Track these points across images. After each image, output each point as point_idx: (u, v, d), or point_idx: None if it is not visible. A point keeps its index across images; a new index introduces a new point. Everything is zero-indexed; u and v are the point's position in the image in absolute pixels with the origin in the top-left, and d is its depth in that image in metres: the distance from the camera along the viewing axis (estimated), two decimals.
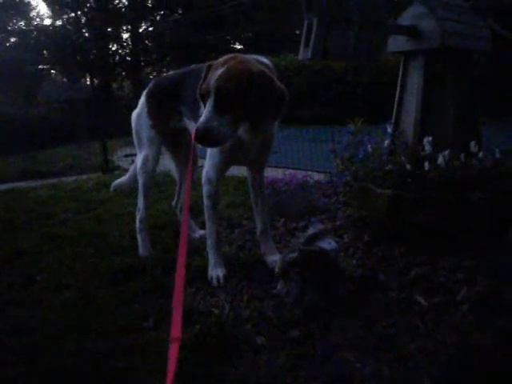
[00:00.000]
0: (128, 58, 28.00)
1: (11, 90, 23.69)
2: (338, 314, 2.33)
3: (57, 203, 5.15)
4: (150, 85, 3.38)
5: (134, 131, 3.38)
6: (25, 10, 28.82)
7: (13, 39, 26.88)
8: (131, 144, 3.91)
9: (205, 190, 2.83)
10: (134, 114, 3.38)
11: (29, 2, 29.53)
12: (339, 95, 13.10)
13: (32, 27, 27.88)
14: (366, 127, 3.61)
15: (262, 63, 2.52)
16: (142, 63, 28.22)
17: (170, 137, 3.34)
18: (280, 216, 3.76)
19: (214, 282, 2.78)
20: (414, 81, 3.10)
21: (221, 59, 2.42)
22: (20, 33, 26.97)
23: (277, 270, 2.59)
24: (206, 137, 2.26)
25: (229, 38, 26.54)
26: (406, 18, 3.18)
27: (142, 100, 3.34)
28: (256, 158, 2.84)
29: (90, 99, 9.54)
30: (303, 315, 2.34)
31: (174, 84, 3.15)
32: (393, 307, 2.37)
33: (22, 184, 7.28)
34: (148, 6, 27.35)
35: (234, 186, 4.74)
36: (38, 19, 29.62)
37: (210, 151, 2.78)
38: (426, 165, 2.83)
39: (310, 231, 2.39)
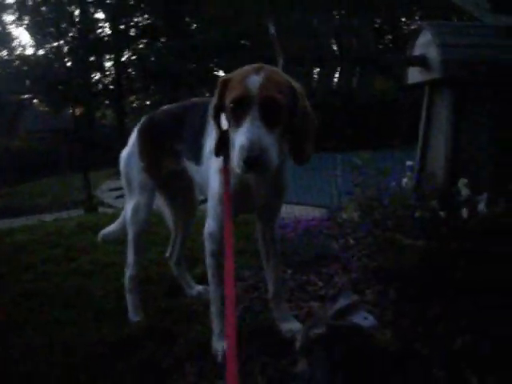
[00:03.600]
0: (111, 87, 27.69)
1: None
2: None
3: (36, 250, 4.65)
4: (143, 120, 2.92)
5: (122, 173, 2.92)
6: (7, 40, 28.45)
7: None
8: (117, 175, 3.45)
9: (207, 247, 2.39)
10: (124, 153, 2.92)
11: (11, 32, 29.22)
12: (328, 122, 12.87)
13: (14, 57, 27.51)
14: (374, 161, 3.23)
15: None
16: (126, 92, 27.91)
17: (165, 181, 2.90)
18: (287, 266, 3.33)
19: (220, 357, 2.32)
20: (442, 115, 2.74)
21: (247, 67, 1.96)
22: (1, 62, 26.54)
23: (298, 345, 2.14)
24: (261, 158, 1.76)
25: (212, 65, 26.43)
26: (417, 47, 2.87)
27: (133, 138, 2.88)
28: (266, 206, 2.41)
29: (72, 129, 9.04)
30: None
31: (171, 120, 2.70)
32: None
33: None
34: (131, 35, 27.18)
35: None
36: (20, 49, 29.29)
37: (211, 201, 2.35)
38: (464, 212, 2.44)
39: (341, 303, 1.96)
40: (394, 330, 2.36)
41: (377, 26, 27.81)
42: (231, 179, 2.19)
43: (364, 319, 1.93)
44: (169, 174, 2.80)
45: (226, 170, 2.08)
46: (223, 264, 2.43)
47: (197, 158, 2.46)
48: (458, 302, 2.45)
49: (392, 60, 3.28)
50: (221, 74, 27.27)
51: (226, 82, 1.98)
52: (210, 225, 2.38)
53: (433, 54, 2.71)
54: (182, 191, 2.91)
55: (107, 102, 28.50)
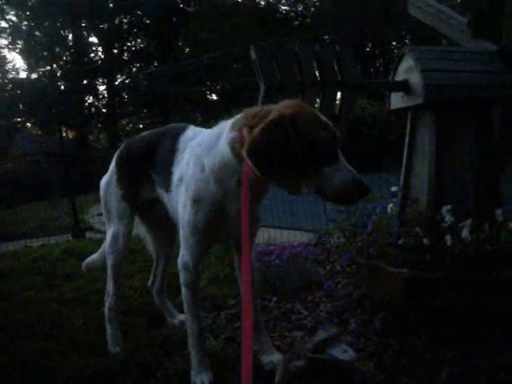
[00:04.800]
0: (104, 110, 27.79)
1: None
2: None
3: (18, 278, 4.56)
4: (121, 147, 2.89)
5: (102, 201, 2.88)
6: (1, 64, 28.58)
7: None
8: None
9: (182, 277, 2.32)
10: (103, 181, 2.88)
11: (4, 56, 29.34)
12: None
13: (7, 80, 27.59)
14: None
15: None
16: (118, 115, 27.99)
17: (144, 209, 2.85)
18: (271, 294, 3.27)
19: None
20: (425, 139, 2.71)
21: (286, 103, 2.01)
22: None
23: (277, 379, 2.07)
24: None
25: (205, 89, 26.59)
26: (401, 72, 2.87)
27: (112, 166, 2.86)
28: (240, 233, 2.37)
29: (62, 152, 8.96)
30: None
31: (146, 147, 2.65)
32: None
33: None
34: (124, 59, 27.39)
35: (216, 255, 4.22)
36: (13, 72, 29.39)
37: (182, 230, 2.30)
38: (448, 239, 2.40)
39: (320, 336, 1.90)
40: (377, 361, 2.30)
41: (368, 50, 28.30)
42: (207, 209, 2.16)
43: (343, 352, 1.87)
44: (147, 201, 2.76)
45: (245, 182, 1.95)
46: (198, 294, 2.40)
47: (167, 185, 2.42)
48: (441, 330, 2.39)
49: (375, 85, 3.24)
50: (214, 97, 27.49)
51: (293, 121, 1.86)
52: (183, 255, 2.32)
53: (415, 79, 2.70)
54: (161, 219, 2.85)
55: (100, 125, 28.56)
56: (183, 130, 2.47)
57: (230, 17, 22.79)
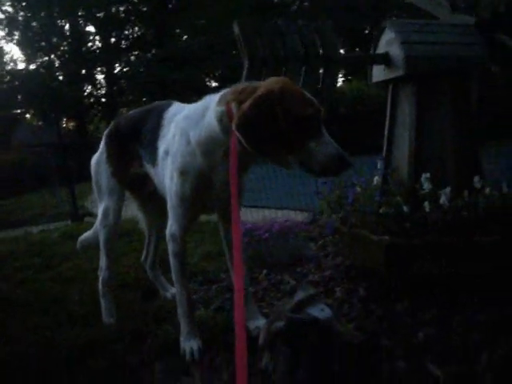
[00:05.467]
0: (103, 100, 27.74)
1: None
2: None
3: (16, 260, 4.66)
4: (111, 126, 2.97)
5: (93, 179, 2.96)
6: None
7: None
8: None
9: (170, 247, 2.41)
10: (94, 159, 2.95)
11: (2, 47, 29.28)
12: None
13: (5, 72, 27.52)
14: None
15: None
16: (118, 104, 27.95)
17: (134, 185, 2.93)
18: (262, 268, 3.35)
19: (188, 356, 2.34)
20: (406, 111, 2.78)
21: (280, 80, 2.06)
22: None
23: (260, 341, 2.16)
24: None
25: (203, 76, 26.54)
26: (381, 46, 2.92)
27: (102, 144, 2.93)
28: (228, 205, 2.45)
29: (60, 142, 9.03)
30: None
31: (134, 124, 2.73)
32: (402, 381, 1.97)
33: None
34: (122, 47, 27.27)
35: (210, 232, 4.30)
36: (11, 64, 29.33)
37: (170, 202, 2.37)
38: (427, 205, 2.47)
39: (299, 296, 1.98)
40: (358, 325, 2.39)
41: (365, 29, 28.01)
42: (193, 181, 2.24)
43: (321, 311, 1.95)
44: (137, 178, 2.83)
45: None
46: (186, 265, 2.48)
47: (153, 160, 2.49)
48: (421, 295, 2.47)
49: (356, 59, 3.29)
50: (213, 84, 27.38)
51: (281, 97, 1.92)
52: (171, 226, 2.40)
53: (396, 51, 2.75)
54: (151, 196, 2.92)
55: (99, 114, 28.52)
56: (168, 106, 2.54)
57: (228, 2, 22.63)
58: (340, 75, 29.21)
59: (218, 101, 2.13)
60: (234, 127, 1.91)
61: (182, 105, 2.54)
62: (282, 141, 1.90)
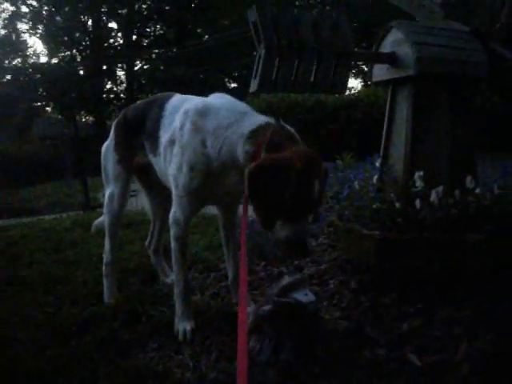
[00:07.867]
0: (122, 95, 28.04)
1: (4, 126, 23.62)
2: (318, 376, 2.00)
3: (26, 244, 4.83)
4: (120, 115, 3.11)
5: (102, 165, 3.09)
6: (22, 48, 28.96)
7: (8, 76, 26.85)
8: None
9: (172, 231, 2.53)
10: (104, 146, 3.09)
11: (25, 41, 29.72)
12: (331, 132, 12.91)
13: (27, 65, 27.96)
14: (356, 163, 3.35)
15: None
16: (137, 100, 28.20)
17: (139, 173, 3.06)
18: (260, 259, 3.45)
19: (180, 336, 2.45)
20: (403, 111, 2.85)
21: (300, 152, 2.07)
22: (15, 70, 26.99)
23: (249, 323, 2.26)
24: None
25: (223, 76, 26.71)
26: (386, 45, 2.96)
27: (111, 132, 3.07)
28: (231, 198, 2.56)
29: (76, 136, 9.25)
30: (277, 377, 2.01)
31: (139, 114, 2.85)
32: (381, 368, 2.04)
33: None
34: (143, 45, 27.57)
35: (215, 226, 4.41)
36: (34, 57, 29.78)
37: (175, 190, 2.48)
38: (418, 203, 2.55)
39: (285, 280, 2.07)
40: (345, 314, 2.48)
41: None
42: (202, 177, 2.33)
43: (305, 295, 2.04)
44: (142, 166, 2.95)
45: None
46: (186, 248, 2.59)
47: (155, 150, 2.61)
48: (409, 289, 2.55)
49: (363, 55, 3.34)
50: (232, 85, 27.53)
51: (296, 179, 1.95)
52: (175, 212, 2.51)
53: (405, 51, 2.76)
54: (155, 183, 3.04)
55: (118, 110, 28.83)
56: (169, 97, 2.66)
57: (251, 3, 22.78)
58: (360, 81, 29.07)
59: (249, 135, 2.15)
60: (245, 173, 1.98)
61: (184, 96, 2.65)
62: (277, 209, 1.99)
